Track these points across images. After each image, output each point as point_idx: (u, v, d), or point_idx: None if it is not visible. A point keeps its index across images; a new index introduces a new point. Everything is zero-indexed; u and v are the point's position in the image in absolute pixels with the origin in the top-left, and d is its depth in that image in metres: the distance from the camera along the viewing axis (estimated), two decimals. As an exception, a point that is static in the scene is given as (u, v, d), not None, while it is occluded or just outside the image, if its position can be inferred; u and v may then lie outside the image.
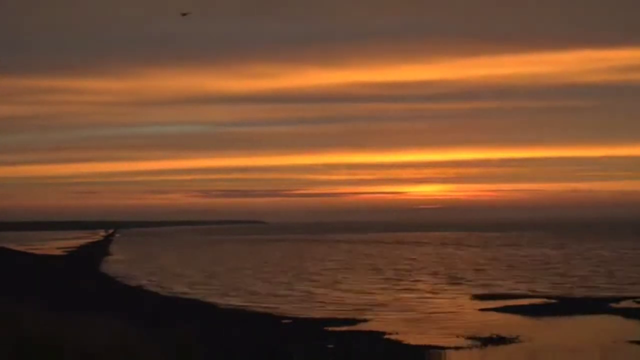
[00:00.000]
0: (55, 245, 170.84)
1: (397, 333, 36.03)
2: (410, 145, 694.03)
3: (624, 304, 46.39)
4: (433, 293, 55.90)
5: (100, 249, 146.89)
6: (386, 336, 35.08)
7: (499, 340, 33.24)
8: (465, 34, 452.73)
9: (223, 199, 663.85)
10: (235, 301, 52.12)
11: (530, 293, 54.04)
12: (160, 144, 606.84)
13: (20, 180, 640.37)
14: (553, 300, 49.00)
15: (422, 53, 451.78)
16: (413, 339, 34.36)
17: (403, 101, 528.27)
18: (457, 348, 31.61)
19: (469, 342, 33.14)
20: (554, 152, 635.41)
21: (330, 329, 37.17)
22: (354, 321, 40.50)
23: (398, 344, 32.80)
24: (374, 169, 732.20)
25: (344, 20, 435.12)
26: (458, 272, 74.86)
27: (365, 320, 40.76)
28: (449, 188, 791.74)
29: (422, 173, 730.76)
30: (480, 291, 56.18)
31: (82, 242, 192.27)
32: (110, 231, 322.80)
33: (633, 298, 49.12)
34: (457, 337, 34.62)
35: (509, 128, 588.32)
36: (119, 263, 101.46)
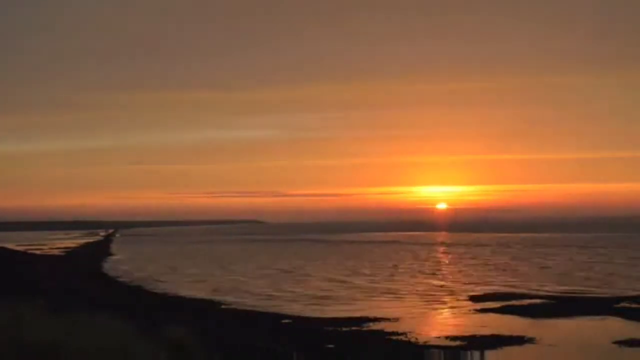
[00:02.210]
0: (55, 245, 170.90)
1: (397, 333, 36.10)
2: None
3: (623, 305, 46.38)
4: (433, 292, 56.01)
5: (100, 249, 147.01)
6: (386, 336, 35.14)
7: (497, 341, 33.30)
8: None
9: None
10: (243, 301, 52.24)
11: (530, 293, 54.06)
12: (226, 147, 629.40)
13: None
14: (552, 301, 48.97)
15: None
16: (413, 338, 34.42)
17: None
18: (456, 348, 31.65)
19: (468, 342, 33.20)
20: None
21: (330, 328, 37.22)
22: (354, 321, 40.53)
23: (398, 343, 32.83)
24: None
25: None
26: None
27: (365, 320, 40.80)
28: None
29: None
30: (479, 292, 56.30)
31: (82, 242, 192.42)
32: (110, 231, 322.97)
33: (631, 298, 49.09)
34: (457, 337, 34.68)
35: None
36: (119, 263, 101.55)
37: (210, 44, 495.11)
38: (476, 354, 30.45)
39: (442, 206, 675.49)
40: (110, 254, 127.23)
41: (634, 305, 45.69)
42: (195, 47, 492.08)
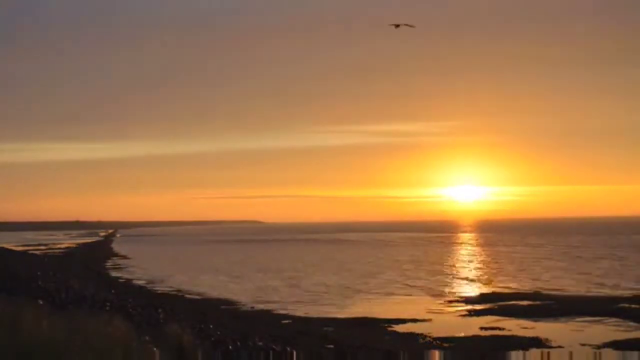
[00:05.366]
0: (55, 245, 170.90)
1: (397, 333, 36.11)
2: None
3: (622, 305, 46.28)
4: (434, 293, 56.01)
5: (100, 249, 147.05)
6: (386, 336, 35.16)
7: (497, 342, 33.32)
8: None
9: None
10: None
11: (530, 293, 53.99)
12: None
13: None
14: (552, 302, 48.85)
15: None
16: (413, 338, 34.44)
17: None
18: (456, 349, 31.66)
19: (469, 343, 33.22)
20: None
21: (330, 329, 37.23)
22: (354, 321, 40.56)
23: (398, 343, 32.81)
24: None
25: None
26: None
27: (365, 320, 40.82)
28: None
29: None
30: (481, 292, 56.34)
31: (81, 242, 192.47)
32: (110, 231, 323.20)
33: (631, 299, 49.01)
34: (457, 338, 34.69)
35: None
36: (119, 263, 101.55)
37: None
38: (476, 355, 30.43)
39: (469, 206, 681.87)
40: (110, 254, 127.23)
41: (633, 306, 45.58)
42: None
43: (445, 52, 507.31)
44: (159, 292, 59.72)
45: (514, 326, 38.35)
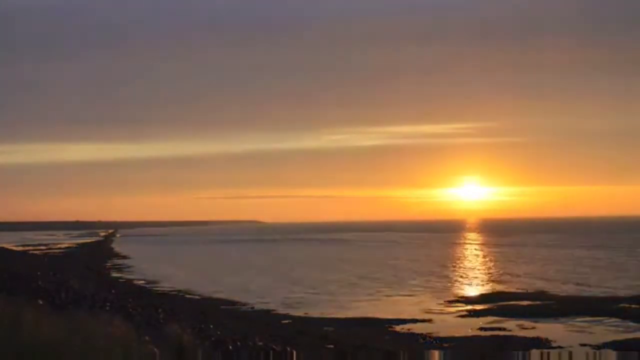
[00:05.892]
0: (55, 245, 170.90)
1: (397, 333, 36.10)
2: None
3: (621, 305, 46.27)
4: (434, 292, 56.00)
5: (100, 249, 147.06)
6: (386, 336, 35.15)
7: (498, 342, 33.30)
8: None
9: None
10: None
11: (530, 293, 53.97)
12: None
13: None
14: (552, 302, 48.85)
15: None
16: (413, 338, 34.42)
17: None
18: (456, 349, 31.65)
19: (469, 343, 33.21)
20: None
21: (330, 329, 37.23)
22: (354, 321, 40.55)
23: (398, 343, 32.82)
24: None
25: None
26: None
27: (365, 320, 40.80)
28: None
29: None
30: (481, 292, 56.32)
31: (81, 242, 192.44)
32: (110, 231, 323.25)
33: (629, 299, 48.99)
34: (457, 338, 34.68)
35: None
36: (120, 263, 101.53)
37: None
38: (476, 355, 30.41)
39: (473, 206, 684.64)
40: (110, 254, 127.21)
41: (633, 306, 45.56)
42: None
43: (446, 56, 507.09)
44: (159, 292, 59.71)
45: (514, 326, 38.34)
